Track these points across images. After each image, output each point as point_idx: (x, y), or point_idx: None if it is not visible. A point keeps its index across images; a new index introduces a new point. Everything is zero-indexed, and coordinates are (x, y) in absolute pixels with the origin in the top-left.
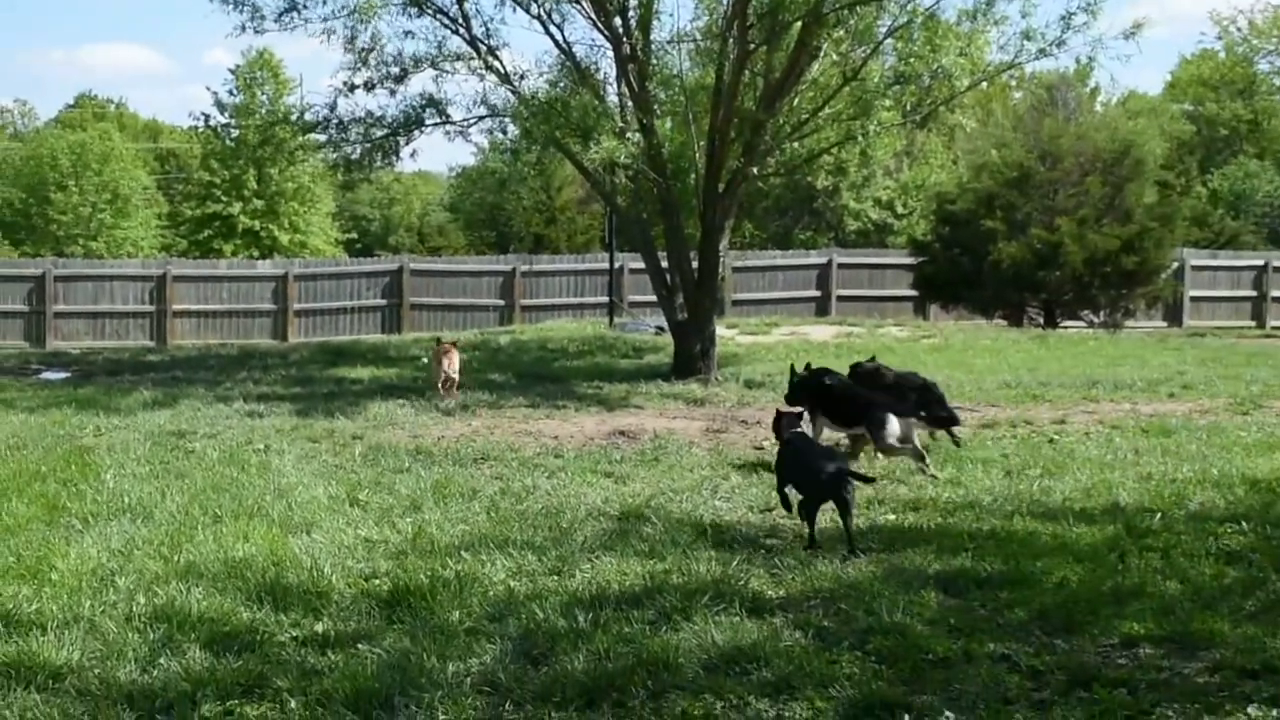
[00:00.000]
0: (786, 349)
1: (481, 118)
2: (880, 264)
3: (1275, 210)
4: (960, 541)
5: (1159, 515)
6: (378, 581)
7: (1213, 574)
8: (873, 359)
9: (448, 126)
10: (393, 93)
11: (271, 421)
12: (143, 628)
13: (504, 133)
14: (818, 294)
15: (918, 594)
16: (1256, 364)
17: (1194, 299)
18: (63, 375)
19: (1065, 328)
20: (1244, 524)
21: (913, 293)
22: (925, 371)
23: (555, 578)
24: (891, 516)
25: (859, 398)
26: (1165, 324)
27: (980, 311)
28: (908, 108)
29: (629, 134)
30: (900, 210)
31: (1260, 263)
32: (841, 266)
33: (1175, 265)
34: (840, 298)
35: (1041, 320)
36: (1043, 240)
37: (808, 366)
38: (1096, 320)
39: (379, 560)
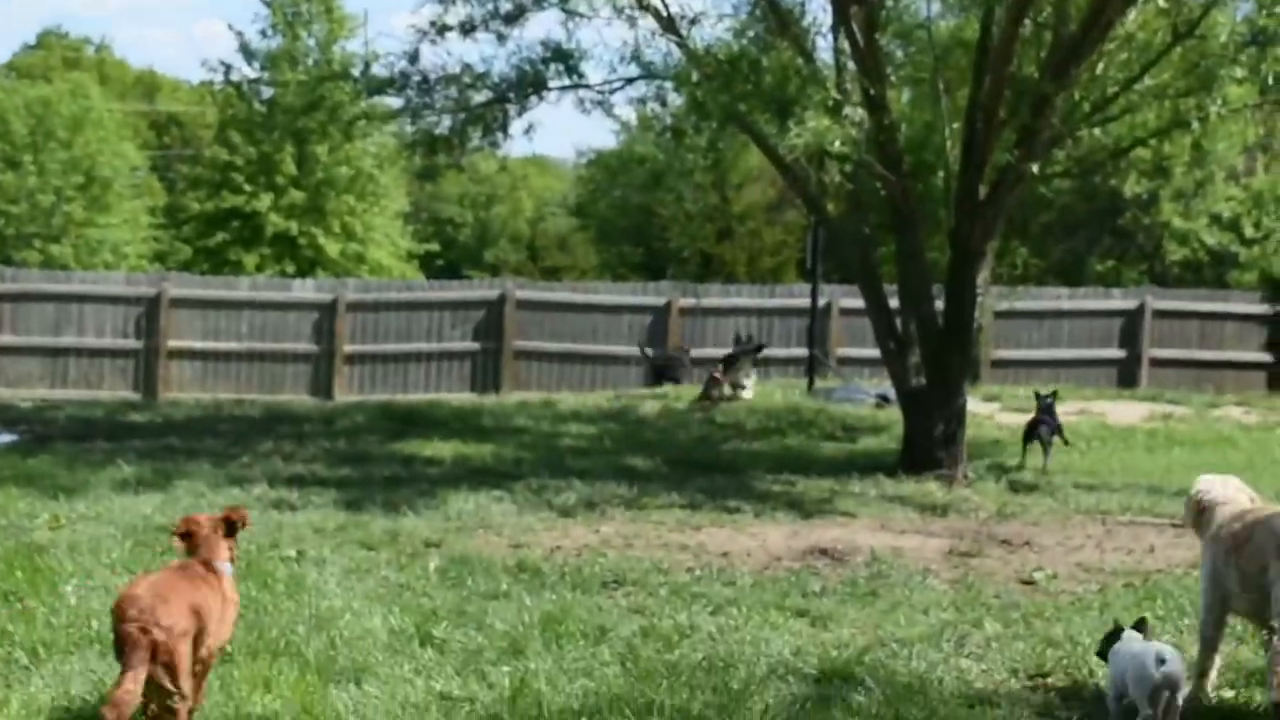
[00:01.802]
0: (1073, 436)
1: (630, 80)
2: (1218, 312)
3: None
4: None
5: None
6: None
7: None
8: None
9: (581, 91)
10: (502, 39)
11: (308, 517)
12: None
13: (663, 104)
14: (1121, 354)
15: None
16: None
17: None
18: (7, 439)
19: None
20: None
21: (1266, 357)
22: None
23: None
24: (1228, 692)
25: None
26: None
27: None
28: (1269, 80)
29: (848, 109)
30: (1250, 233)
31: None
32: (1159, 315)
33: None
34: (1155, 361)
35: None
36: None
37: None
38: None
39: None
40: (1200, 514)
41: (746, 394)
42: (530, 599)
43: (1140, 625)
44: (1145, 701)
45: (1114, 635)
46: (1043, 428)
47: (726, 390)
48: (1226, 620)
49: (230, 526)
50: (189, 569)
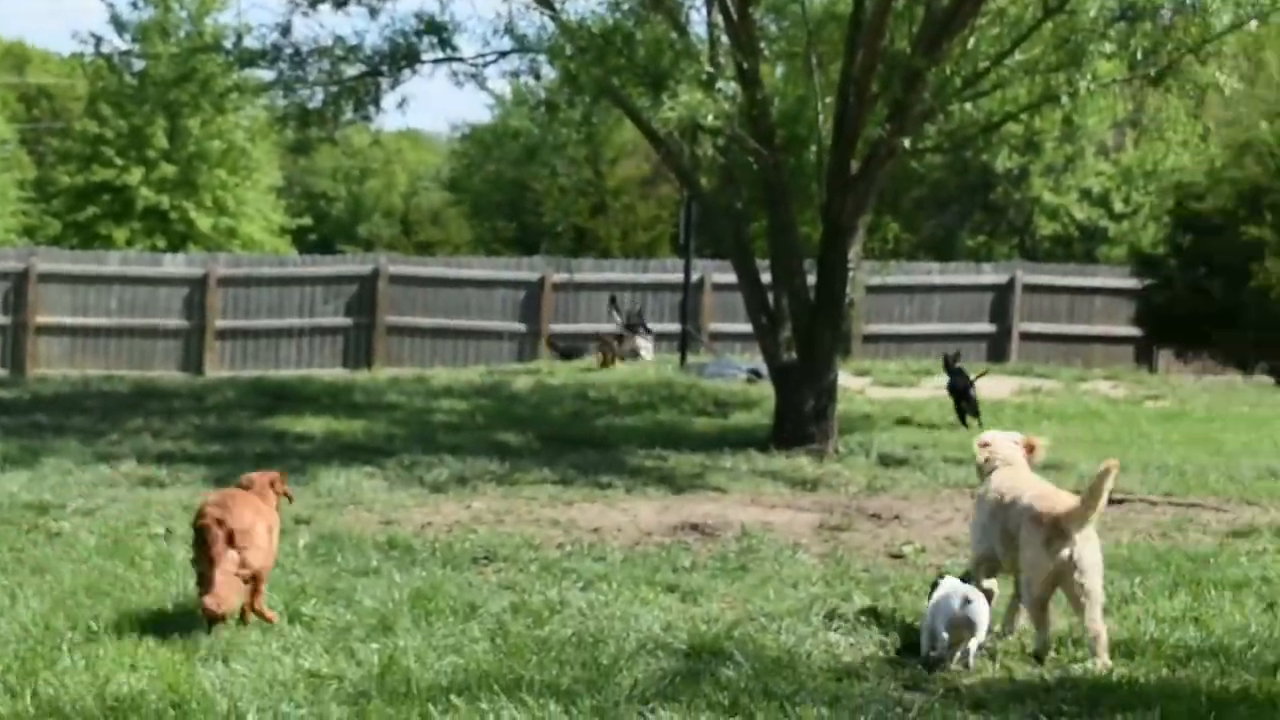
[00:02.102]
0: (943, 410)
1: (504, 53)
2: (1087, 287)
3: None
4: (1195, 707)
5: None
6: None
7: None
8: None
9: (454, 64)
10: (375, 12)
11: (177, 494)
12: None
13: (536, 77)
14: (992, 328)
15: None
16: None
17: None
18: None
19: None
20: None
21: (1134, 331)
22: (1152, 450)
23: None
24: (1093, 664)
25: None
26: None
27: (1235, 362)
28: (1138, 55)
29: (721, 84)
30: (1120, 208)
31: None
32: (1030, 289)
33: None
34: (1025, 335)
35: None
36: None
37: None
38: None
39: (328, 705)
40: (980, 468)
41: (647, 355)
42: (400, 576)
43: (966, 578)
44: (943, 634)
45: (937, 583)
46: (970, 390)
47: (627, 348)
48: (994, 571)
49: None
50: (249, 493)
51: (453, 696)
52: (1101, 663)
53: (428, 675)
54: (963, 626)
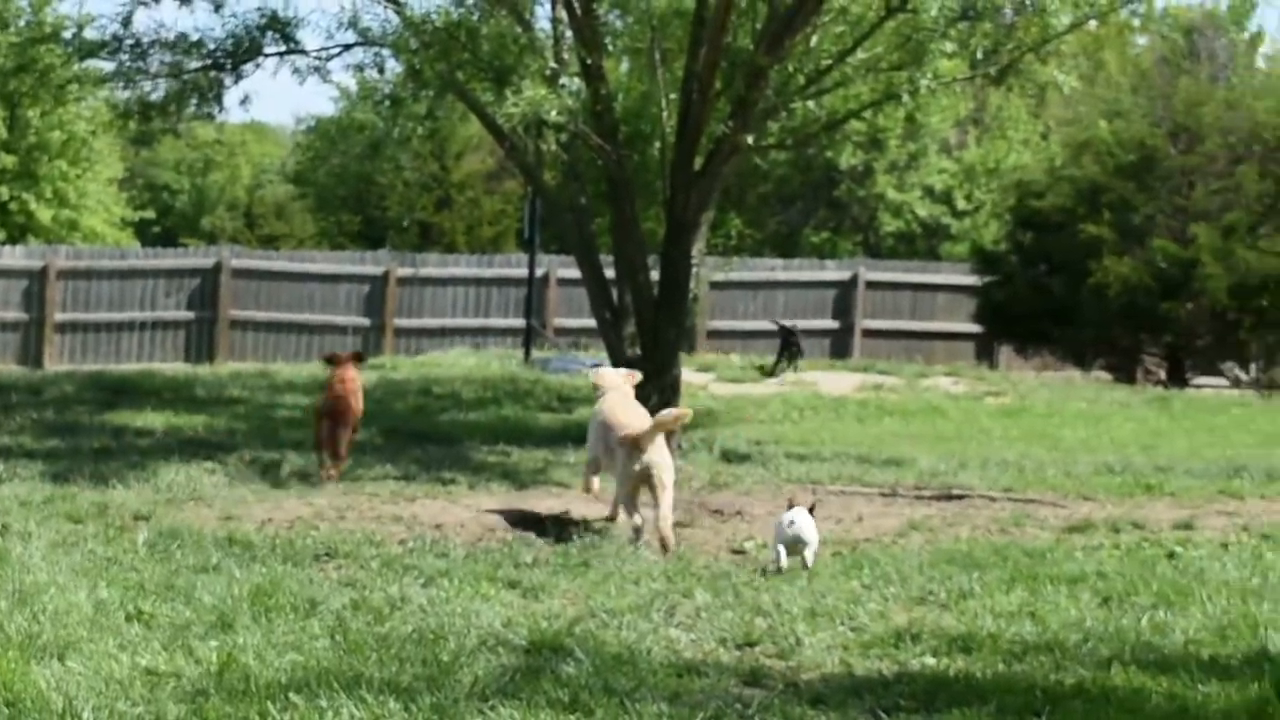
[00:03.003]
0: (786, 406)
1: (348, 47)
2: (929, 283)
3: None
4: (1031, 700)
5: None
6: None
7: None
8: None
9: (297, 59)
10: (217, 6)
11: (13, 490)
12: None
13: (380, 71)
14: (835, 325)
15: None
16: None
17: None
18: None
19: (1198, 387)
20: None
21: (975, 328)
22: (992, 445)
23: None
24: (931, 660)
25: None
26: None
27: (1074, 359)
28: (979, 54)
29: (564, 79)
30: (962, 205)
31: None
32: (872, 285)
33: None
34: (868, 332)
35: (1164, 375)
36: (1169, 257)
37: None
38: (1245, 377)
39: (166, 703)
40: (595, 391)
41: None
42: (240, 572)
43: (812, 510)
44: (782, 550)
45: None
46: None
47: None
48: (598, 469)
49: (359, 357)
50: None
51: (292, 694)
52: (661, 539)
53: (267, 673)
54: (795, 542)
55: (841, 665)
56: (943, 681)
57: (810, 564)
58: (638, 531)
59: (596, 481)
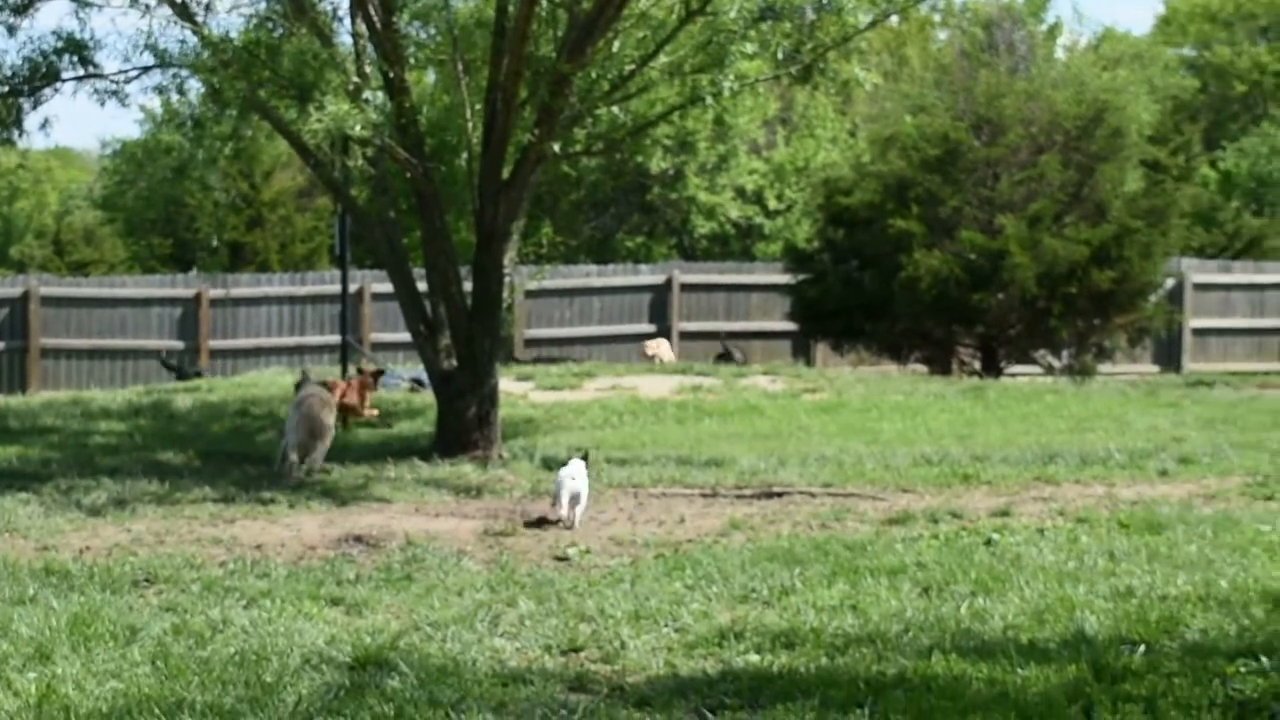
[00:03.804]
0: (605, 411)
1: (146, 69)
2: (743, 284)
3: None
4: (854, 693)
5: (1142, 648)
6: None
7: None
8: None
9: (97, 82)
10: (12, 30)
11: None
12: None
13: (180, 92)
14: (651, 328)
15: None
16: None
17: (1198, 331)
18: None
19: (1012, 375)
20: (1264, 660)
21: (790, 326)
22: (811, 442)
23: None
24: (755, 657)
25: None
26: (1156, 368)
27: (889, 352)
28: (780, 55)
29: (367, 94)
30: (774, 205)
31: None
32: (687, 288)
33: (1170, 283)
34: (685, 334)
35: (978, 364)
36: (978, 248)
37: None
38: (1057, 364)
39: None
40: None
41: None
42: (58, 602)
43: (585, 457)
44: (560, 499)
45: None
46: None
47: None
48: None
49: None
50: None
51: None
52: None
53: (87, 702)
54: (569, 491)
55: (666, 666)
56: (766, 678)
57: (579, 523)
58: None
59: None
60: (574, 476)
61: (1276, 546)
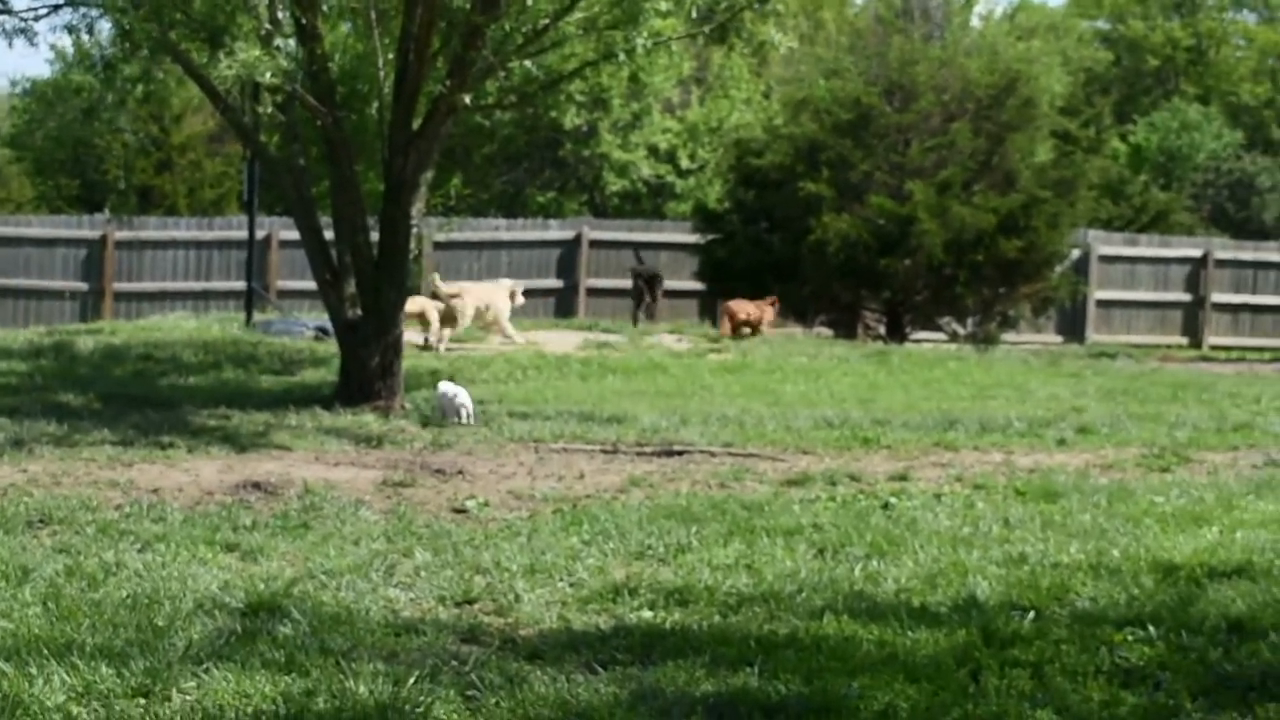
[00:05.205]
0: (509, 365)
1: (56, 7)
2: (652, 242)
3: (1221, 177)
4: (745, 651)
5: (1032, 615)
6: None
7: (1103, 700)
8: None
9: (4, 19)
10: None
11: None
12: None
13: (91, 32)
14: (559, 284)
15: None
16: (1185, 399)
17: (1102, 303)
18: None
19: (917, 341)
20: (1151, 629)
21: (698, 285)
22: (714, 401)
23: (141, 701)
24: (648, 613)
25: None
26: (1060, 338)
27: (795, 314)
28: (695, 13)
29: (279, 40)
30: (686, 164)
31: (1197, 253)
32: (596, 245)
33: (1076, 254)
34: (593, 291)
35: (883, 329)
36: (887, 213)
37: None
38: (962, 331)
39: None
40: None
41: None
42: None
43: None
44: (466, 411)
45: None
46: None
47: None
48: None
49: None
50: None
51: (1, 662)
52: None
53: None
54: (460, 408)
55: (560, 620)
56: (659, 634)
57: (474, 422)
58: None
59: None
60: (456, 394)
61: (1169, 517)
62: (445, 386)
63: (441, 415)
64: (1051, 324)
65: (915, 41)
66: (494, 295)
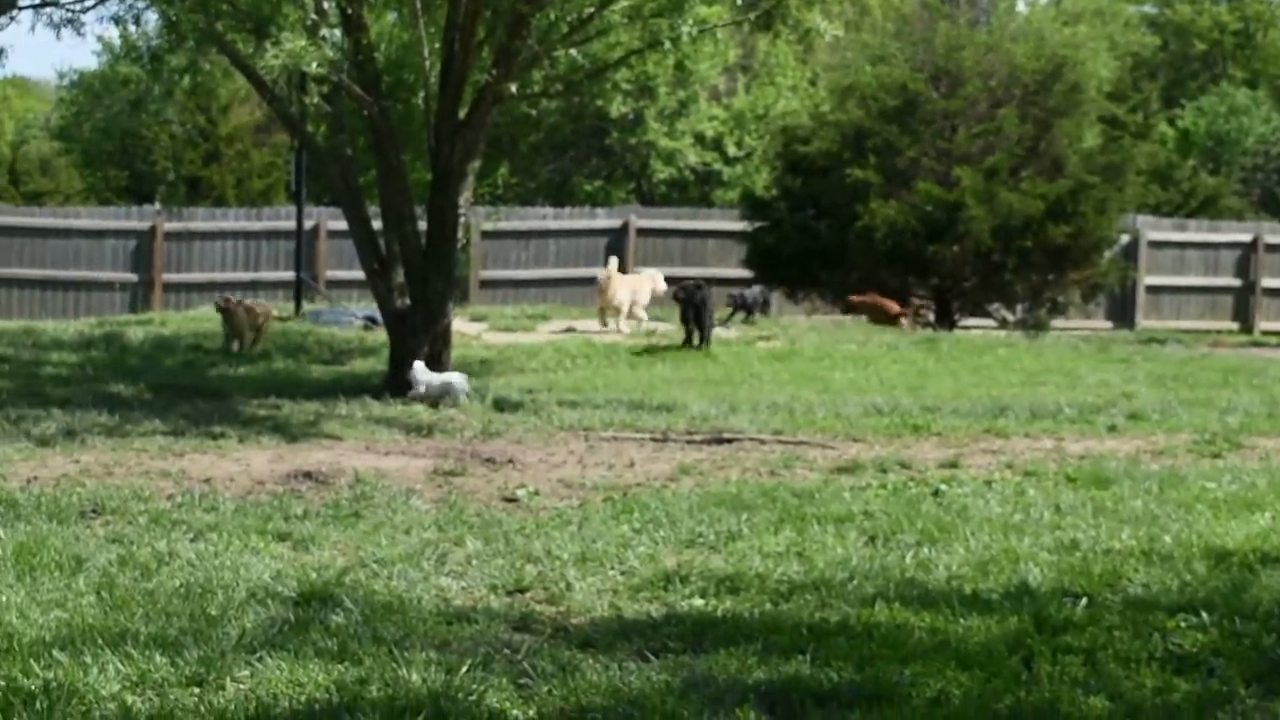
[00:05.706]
0: (558, 354)
1: (101, 0)
2: (699, 229)
3: (1270, 161)
4: (797, 638)
5: (1084, 601)
6: None
7: (1156, 687)
8: None
9: (50, 10)
10: None
11: None
12: None
13: (136, 23)
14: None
15: (731, 715)
16: (1236, 384)
17: (1151, 289)
18: None
19: (966, 328)
20: (1204, 615)
21: (745, 273)
22: (763, 389)
23: (196, 690)
24: (699, 601)
25: None
26: (1110, 324)
27: (843, 302)
28: (739, 1)
29: (325, 30)
30: (733, 152)
31: (1247, 238)
32: (643, 233)
33: (1125, 239)
34: None
35: (932, 316)
36: (934, 200)
37: None
38: (1011, 317)
39: None
40: None
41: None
42: (4, 531)
43: (427, 363)
44: (460, 392)
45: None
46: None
47: None
48: None
49: None
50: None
51: (56, 651)
52: None
53: (31, 630)
54: (448, 388)
55: (611, 609)
56: (710, 622)
57: (463, 400)
58: None
59: None
60: (446, 381)
61: (1221, 503)
62: (419, 370)
63: (438, 397)
64: (1101, 310)
65: (961, 27)
66: (640, 284)
